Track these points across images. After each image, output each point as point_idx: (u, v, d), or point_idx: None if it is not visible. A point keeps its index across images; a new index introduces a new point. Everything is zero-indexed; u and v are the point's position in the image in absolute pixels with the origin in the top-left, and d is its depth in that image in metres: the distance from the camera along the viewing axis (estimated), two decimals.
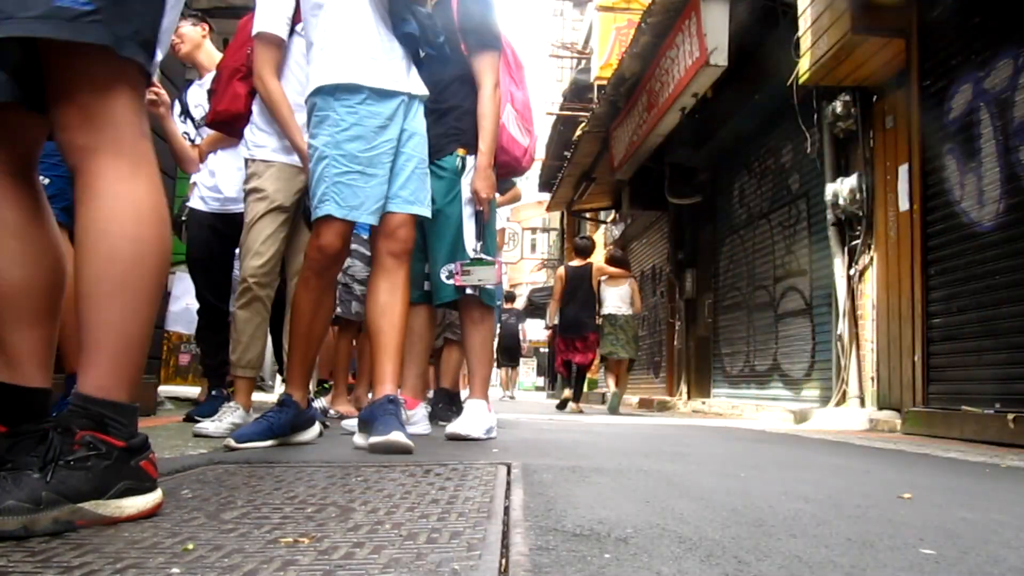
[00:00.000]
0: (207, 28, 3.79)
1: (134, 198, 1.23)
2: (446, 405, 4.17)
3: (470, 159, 2.92)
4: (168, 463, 1.90)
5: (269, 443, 2.33)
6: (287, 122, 2.85)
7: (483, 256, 2.88)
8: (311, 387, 3.72)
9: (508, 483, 1.65)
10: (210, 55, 3.76)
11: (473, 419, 2.84)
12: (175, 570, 0.92)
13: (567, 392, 7.94)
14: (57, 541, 1.06)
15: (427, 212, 2.57)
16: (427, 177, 2.57)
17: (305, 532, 1.13)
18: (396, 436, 2.16)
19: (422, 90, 2.52)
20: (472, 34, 2.92)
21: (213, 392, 3.76)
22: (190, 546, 1.03)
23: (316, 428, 2.54)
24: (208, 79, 3.66)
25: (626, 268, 8.31)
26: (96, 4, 1.13)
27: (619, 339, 7.69)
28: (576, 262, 8.09)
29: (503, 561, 1.00)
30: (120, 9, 1.16)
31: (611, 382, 7.87)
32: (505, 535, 1.14)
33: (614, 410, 7.50)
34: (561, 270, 8.35)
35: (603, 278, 7.93)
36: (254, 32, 2.87)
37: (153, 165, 1.28)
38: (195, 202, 3.79)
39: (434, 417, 4.07)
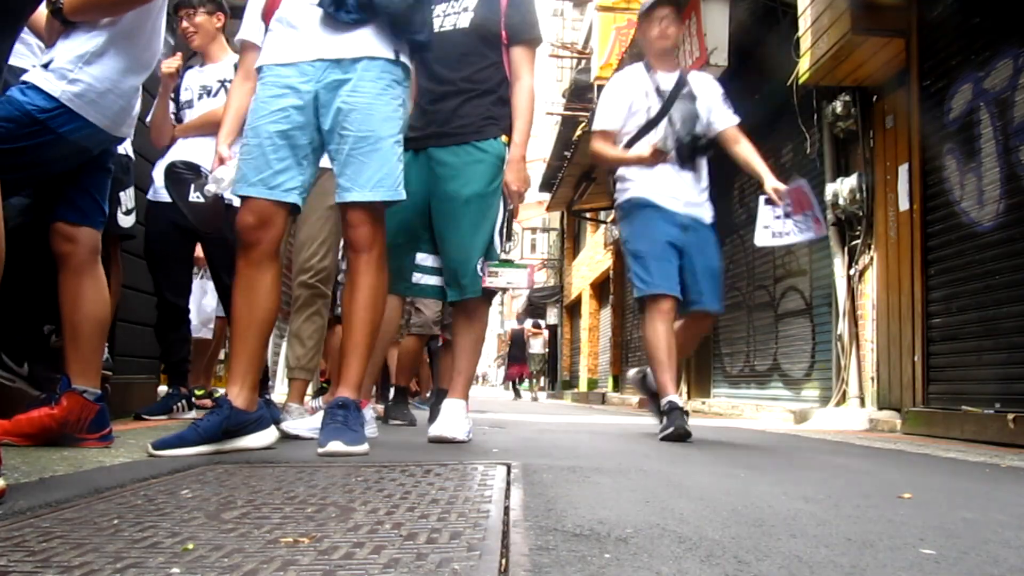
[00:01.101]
0: (223, 18, 3.62)
1: None
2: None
3: (505, 150, 2.81)
4: (168, 463, 1.90)
5: (197, 450, 2.08)
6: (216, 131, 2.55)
7: (512, 258, 2.82)
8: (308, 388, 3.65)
9: (508, 483, 1.65)
10: (222, 45, 3.61)
11: (454, 420, 2.72)
12: (175, 570, 0.92)
13: (516, 394, 17.98)
14: (57, 540, 1.06)
15: (369, 196, 2.20)
16: (377, 155, 2.20)
17: (305, 532, 1.13)
18: (333, 446, 2.11)
19: (343, 53, 2.20)
20: (517, 26, 2.83)
21: (171, 390, 3.68)
22: (190, 546, 1.03)
23: (263, 436, 2.24)
24: (210, 69, 3.56)
25: (540, 330, 20.07)
26: None
27: (536, 364, 19.66)
28: (516, 326, 19.25)
29: (503, 561, 1.00)
30: None
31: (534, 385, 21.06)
32: (505, 535, 1.14)
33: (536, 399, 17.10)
34: (509, 331, 19.57)
35: (530, 335, 18.63)
36: (236, 39, 2.69)
37: None
38: (154, 194, 3.58)
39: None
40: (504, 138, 2.79)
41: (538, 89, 2.98)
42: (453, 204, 2.74)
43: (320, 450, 2.10)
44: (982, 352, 4.02)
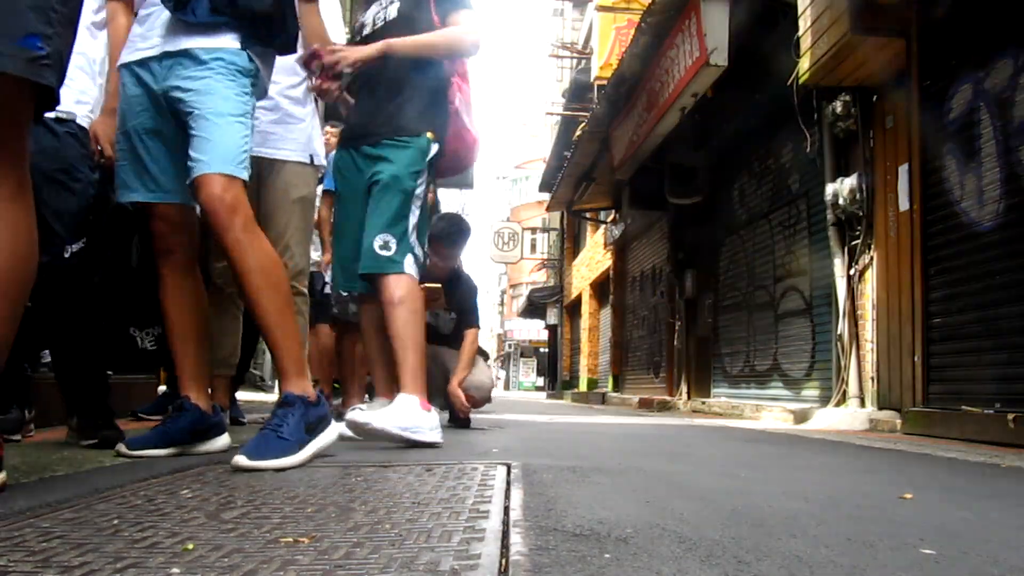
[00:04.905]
0: None
1: (16, 219, 1.34)
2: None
3: (434, 147, 2.69)
4: (168, 463, 1.90)
5: (166, 452, 2.07)
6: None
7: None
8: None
9: (508, 483, 1.65)
10: None
11: (388, 411, 2.48)
12: (175, 570, 0.92)
13: None
14: (57, 541, 1.06)
15: (223, 171, 2.05)
16: (218, 131, 2.06)
17: (305, 532, 1.13)
18: (237, 460, 1.78)
19: (187, 46, 2.09)
20: (446, 5, 2.72)
21: (168, 391, 3.67)
22: (190, 546, 1.03)
23: (224, 438, 2.23)
24: None
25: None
26: (47, 50, 1.29)
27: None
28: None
29: (503, 561, 1.00)
30: (60, 59, 1.34)
31: None
32: (505, 535, 1.14)
33: None
34: None
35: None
36: None
37: (31, 191, 1.38)
38: None
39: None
40: (430, 134, 2.68)
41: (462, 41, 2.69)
42: (373, 188, 2.68)
43: (232, 462, 1.78)
44: (982, 352, 4.02)
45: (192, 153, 2.05)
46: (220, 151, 2.04)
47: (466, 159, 3.02)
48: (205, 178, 2.02)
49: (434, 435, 2.51)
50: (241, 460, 1.77)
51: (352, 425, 2.44)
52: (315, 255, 5.20)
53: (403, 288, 2.60)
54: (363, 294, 2.80)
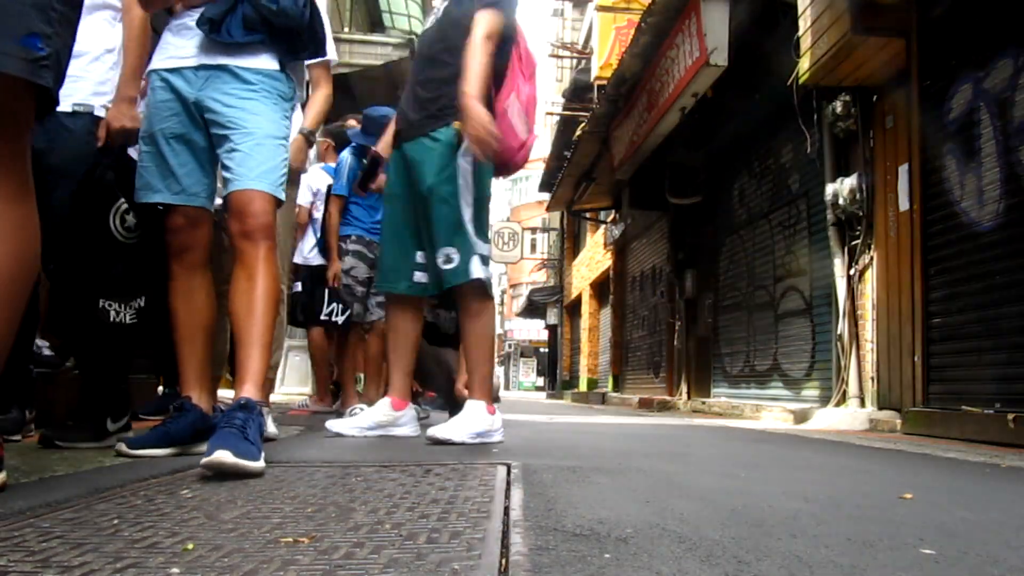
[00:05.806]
0: None
1: (16, 220, 1.33)
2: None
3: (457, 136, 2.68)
4: (168, 463, 1.90)
5: (166, 452, 2.05)
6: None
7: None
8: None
9: (508, 483, 1.65)
10: None
11: (458, 422, 2.64)
12: (175, 570, 0.92)
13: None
14: (56, 541, 1.06)
15: (261, 186, 2.12)
16: (262, 149, 2.12)
17: (305, 532, 1.13)
18: (222, 456, 1.64)
19: (225, 61, 2.13)
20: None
21: (167, 391, 3.67)
22: (190, 546, 1.03)
23: None
24: None
25: None
26: (47, 51, 1.28)
27: None
28: None
29: (503, 561, 1.00)
30: (58, 60, 1.33)
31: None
32: (505, 535, 1.14)
33: None
34: None
35: None
36: None
37: (33, 192, 1.37)
38: None
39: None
40: (456, 124, 2.65)
41: (480, 43, 2.61)
42: (417, 197, 2.72)
43: (204, 460, 1.66)
44: (982, 352, 4.02)
45: (232, 166, 2.10)
46: (264, 170, 2.12)
47: (509, 162, 2.91)
48: (250, 193, 2.10)
49: (500, 434, 2.74)
50: (227, 456, 1.66)
51: (434, 441, 2.56)
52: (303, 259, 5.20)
53: (478, 301, 2.73)
54: (391, 294, 2.86)
